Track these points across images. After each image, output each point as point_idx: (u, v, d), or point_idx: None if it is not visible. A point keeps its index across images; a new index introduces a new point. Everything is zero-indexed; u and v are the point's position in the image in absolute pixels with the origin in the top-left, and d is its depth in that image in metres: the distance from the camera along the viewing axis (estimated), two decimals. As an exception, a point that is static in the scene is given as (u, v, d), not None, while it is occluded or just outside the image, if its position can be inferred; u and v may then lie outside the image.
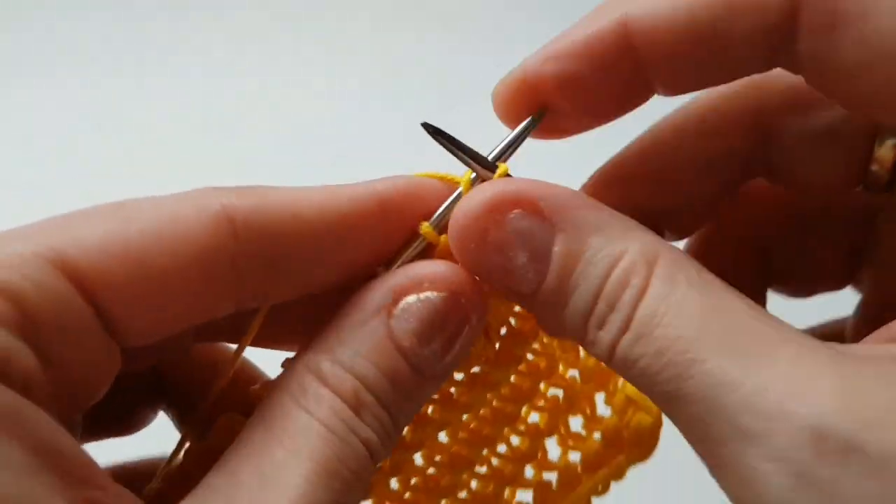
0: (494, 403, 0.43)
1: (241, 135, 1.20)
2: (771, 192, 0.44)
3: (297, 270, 0.36)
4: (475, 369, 0.41)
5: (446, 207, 0.37)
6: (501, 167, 0.38)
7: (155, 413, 0.45)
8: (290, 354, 0.38)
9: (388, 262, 0.38)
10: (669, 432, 0.37)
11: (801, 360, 0.30)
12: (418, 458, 0.43)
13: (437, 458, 0.43)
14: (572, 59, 0.36)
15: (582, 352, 0.45)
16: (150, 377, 0.44)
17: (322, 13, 1.36)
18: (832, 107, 0.38)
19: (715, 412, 0.30)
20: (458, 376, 0.41)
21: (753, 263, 0.46)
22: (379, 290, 0.36)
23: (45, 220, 0.33)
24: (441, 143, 0.38)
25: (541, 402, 0.46)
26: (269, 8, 1.37)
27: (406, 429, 0.40)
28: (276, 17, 1.36)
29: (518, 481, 0.46)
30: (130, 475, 0.37)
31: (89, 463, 0.31)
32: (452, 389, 0.42)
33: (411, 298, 0.35)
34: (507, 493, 0.46)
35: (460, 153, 0.38)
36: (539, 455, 0.46)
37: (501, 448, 0.45)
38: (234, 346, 0.41)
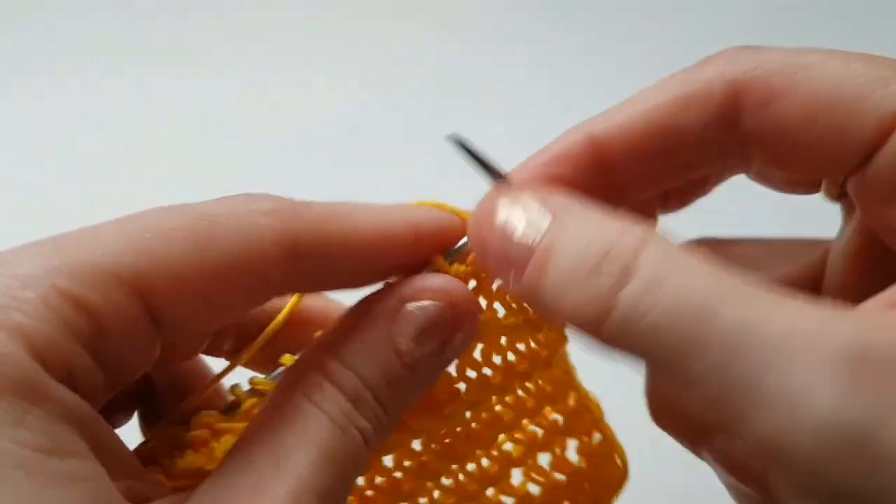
0: (473, 425, 0.46)
1: (241, 135, 1.20)
2: (724, 242, 0.47)
3: (327, 280, 0.40)
4: (460, 385, 0.44)
5: (461, 246, 0.42)
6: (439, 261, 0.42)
7: (131, 416, 0.48)
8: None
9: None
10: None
11: (823, 302, 0.31)
12: (388, 460, 0.45)
13: (406, 463, 0.45)
14: (547, 170, 0.41)
15: (571, 399, 0.47)
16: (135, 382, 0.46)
17: (322, 13, 1.36)
18: None
19: (750, 342, 0.30)
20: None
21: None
22: (385, 298, 0.40)
23: (121, 223, 0.35)
24: (466, 157, 0.41)
25: (518, 435, 0.48)
26: (269, 8, 1.37)
27: None
28: (276, 17, 1.36)
29: (479, 500, 0.48)
30: None
31: (132, 458, 0.37)
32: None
33: (412, 306, 0.39)
34: None
35: (485, 170, 0.41)
36: (503, 481, 0.48)
37: (470, 467, 0.47)
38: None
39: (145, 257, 0.34)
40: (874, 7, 1.31)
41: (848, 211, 0.44)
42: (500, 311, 0.44)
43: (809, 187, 0.44)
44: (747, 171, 0.44)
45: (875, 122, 0.36)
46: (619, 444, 0.50)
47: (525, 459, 0.48)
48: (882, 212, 0.38)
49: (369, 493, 0.45)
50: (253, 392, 0.42)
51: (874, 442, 0.28)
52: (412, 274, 0.41)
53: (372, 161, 1.14)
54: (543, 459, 0.49)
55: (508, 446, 0.48)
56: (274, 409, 0.38)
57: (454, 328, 0.40)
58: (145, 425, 0.47)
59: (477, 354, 0.44)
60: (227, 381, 0.45)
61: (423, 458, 0.46)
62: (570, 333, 0.45)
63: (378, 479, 0.45)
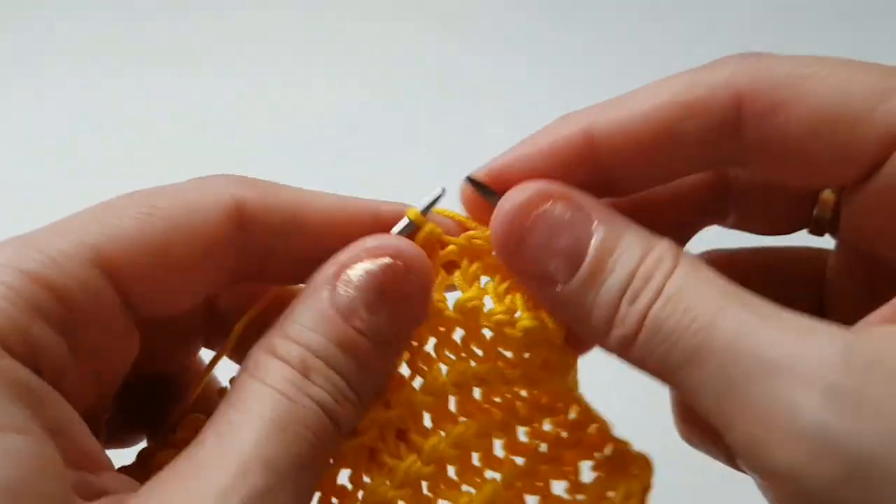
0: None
1: (241, 135, 1.20)
2: (731, 255, 0.48)
3: (291, 262, 0.40)
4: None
5: (435, 198, 0.41)
6: (411, 210, 0.41)
7: (143, 435, 0.47)
8: None
9: None
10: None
11: (815, 319, 0.34)
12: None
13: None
14: (539, 160, 0.40)
15: (573, 412, 0.44)
16: (144, 399, 0.46)
17: (322, 13, 1.36)
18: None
19: (741, 354, 0.33)
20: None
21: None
22: (324, 268, 0.39)
23: (79, 214, 0.37)
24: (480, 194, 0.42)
25: (518, 458, 0.44)
26: (269, 8, 1.37)
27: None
28: (276, 17, 1.36)
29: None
30: None
31: (97, 449, 0.36)
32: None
33: (350, 269, 0.38)
34: None
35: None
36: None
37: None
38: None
39: (103, 236, 0.35)
40: (874, 7, 1.31)
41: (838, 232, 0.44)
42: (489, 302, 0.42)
43: (791, 228, 0.44)
44: (722, 223, 0.46)
45: (879, 136, 0.35)
46: (634, 451, 0.45)
47: (534, 483, 0.45)
48: (882, 224, 0.38)
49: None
50: None
51: (871, 467, 0.30)
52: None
53: (372, 161, 1.14)
54: (559, 487, 0.45)
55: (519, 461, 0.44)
56: (227, 396, 0.38)
57: (403, 284, 0.39)
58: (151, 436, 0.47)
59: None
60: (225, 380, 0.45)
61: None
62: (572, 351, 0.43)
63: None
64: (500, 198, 0.40)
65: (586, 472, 0.46)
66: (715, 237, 0.47)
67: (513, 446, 0.44)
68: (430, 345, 0.43)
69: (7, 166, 1.16)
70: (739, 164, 0.41)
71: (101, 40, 1.32)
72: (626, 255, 0.38)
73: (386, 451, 0.41)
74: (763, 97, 0.37)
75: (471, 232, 0.42)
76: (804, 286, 0.47)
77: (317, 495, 0.41)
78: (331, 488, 0.41)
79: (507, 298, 0.42)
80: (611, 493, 0.45)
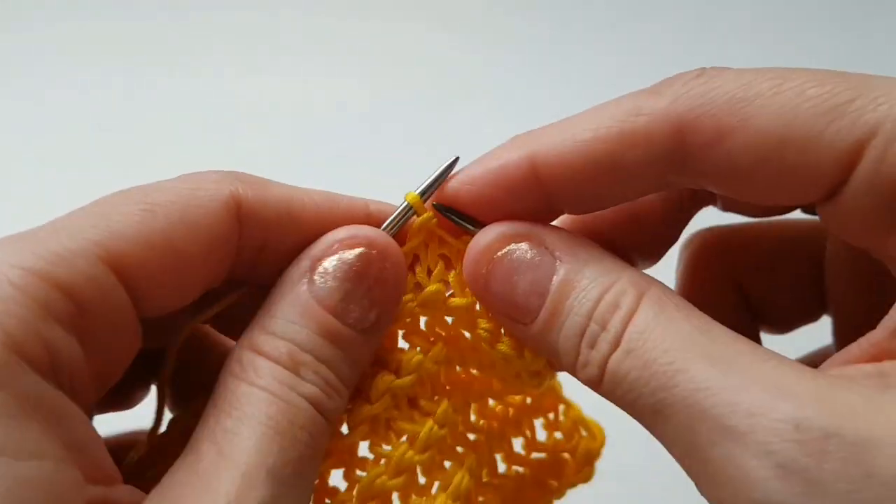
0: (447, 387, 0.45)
1: (241, 134, 1.20)
2: (733, 234, 0.47)
3: (284, 256, 0.40)
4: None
5: (435, 179, 0.42)
6: (410, 194, 0.42)
7: (147, 391, 0.47)
8: None
9: None
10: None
11: (780, 370, 0.33)
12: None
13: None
14: (486, 185, 0.40)
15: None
16: (146, 357, 0.46)
17: (322, 13, 1.36)
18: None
19: (699, 415, 0.33)
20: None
21: (741, 306, 0.48)
22: (298, 262, 0.40)
23: (78, 212, 0.37)
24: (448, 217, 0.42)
25: (481, 421, 0.48)
26: (270, 8, 1.37)
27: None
28: (276, 17, 1.36)
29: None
30: (112, 448, 0.39)
31: (110, 462, 0.35)
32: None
33: (326, 261, 0.39)
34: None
35: (463, 224, 0.42)
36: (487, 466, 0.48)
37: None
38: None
39: (105, 229, 0.35)
40: (874, 7, 1.31)
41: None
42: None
43: (784, 210, 0.43)
44: (714, 204, 0.45)
45: (834, 157, 0.33)
46: (580, 410, 0.50)
47: (501, 444, 0.48)
48: (858, 236, 0.36)
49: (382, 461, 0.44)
50: None
51: None
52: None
53: (372, 161, 1.14)
54: (517, 444, 0.49)
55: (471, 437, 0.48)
56: (212, 400, 0.37)
57: (378, 271, 0.39)
58: (174, 403, 0.47)
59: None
60: None
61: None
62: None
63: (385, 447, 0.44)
64: (456, 215, 0.41)
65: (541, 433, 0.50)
66: (714, 215, 0.47)
67: (485, 413, 0.48)
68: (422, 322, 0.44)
69: (7, 166, 1.16)
70: (685, 184, 0.39)
71: (101, 40, 1.32)
72: (583, 295, 0.37)
73: (401, 418, 0.43)
74: (705, 126, 0.35)
75: (466, 237, 0.42)
76: (806, 261, 0.46)
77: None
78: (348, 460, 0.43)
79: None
80: (566, 456, 0.49)
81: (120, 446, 0.43)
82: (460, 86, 1.27)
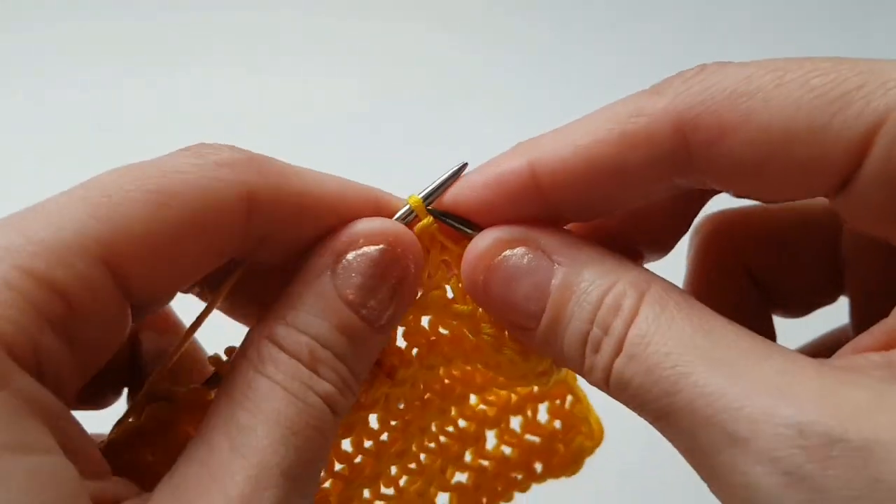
0: (446, 381, 0.46)
1: (241, 135, 1.20)
2: (745, 217, 0.46)
3: (287, 244, 0.39)
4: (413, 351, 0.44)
5: (438, 185, 0.41)
6: (412, 197, 0.41)
7: (120, 394, 0.46)
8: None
9: None
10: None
11: (783, 368, 0.32)
12: (373, 421, 0.45)
13: (393, 422, 0.45)
14: (485, 191, 0.39)
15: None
16: (124, 358, 0.45)
17: (323, 13, 1.36)
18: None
19: (703, 422, 0.32)
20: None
21: (752, 291, 0.47)
22: (321, 253, 0.39)
23: (87, 193, 0.34)
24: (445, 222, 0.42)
25: (491, 397, 0.48)
26: (270, 8, 1.37)
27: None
28: (277, 17, 1.36)
29: (458, 463, 0.49)
30: None
31: (100, 457, 0.35)
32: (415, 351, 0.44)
33: (350, 255, 0.38)
34: (448, 472, 0.49)
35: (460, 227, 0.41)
36: (479, 442, 0.49)
37: (449, 428, 0.48)
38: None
39: (108, 224, 0.33)
40: (874, 7, 1.31)
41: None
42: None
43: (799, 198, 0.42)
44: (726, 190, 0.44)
45: (843, 148, 0.32)
46: (591, 406, 0.50)
47: (498, 421, 0.49)
48: (873, 226, 0.35)
49: (358, 459, 0.45)
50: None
51: None
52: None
53: (372, 160, 1.13)
54: (515, 422, 0.50)
55: (483, 407, 0.49)
56: (227, 389, 0.37)
57: (400, 268, 0.39)
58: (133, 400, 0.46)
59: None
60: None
61: (408, 417, 0.45)
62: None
63: (367, 443, 0.45)
64: (454, 220, 0.41)
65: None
66: (725, 200, 0.47)
67: (487, 400, 0.49)
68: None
69: (7, 166, 1.16)
70: (694, 184, 0.38)
71: (101, 40, 1.32)
72: (583, 298, 0.37)
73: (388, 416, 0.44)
74: (706, 124, 0.34)
75: (466, 242, 0.42)
76: (821, 242, 0.45)
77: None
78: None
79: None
80: (560, 446, 0.49)
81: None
82: (460, 86, 1.27)
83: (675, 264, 0.49)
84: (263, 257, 0.39)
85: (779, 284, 0.46)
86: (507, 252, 0.39)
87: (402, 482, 0.47)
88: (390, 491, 0.47)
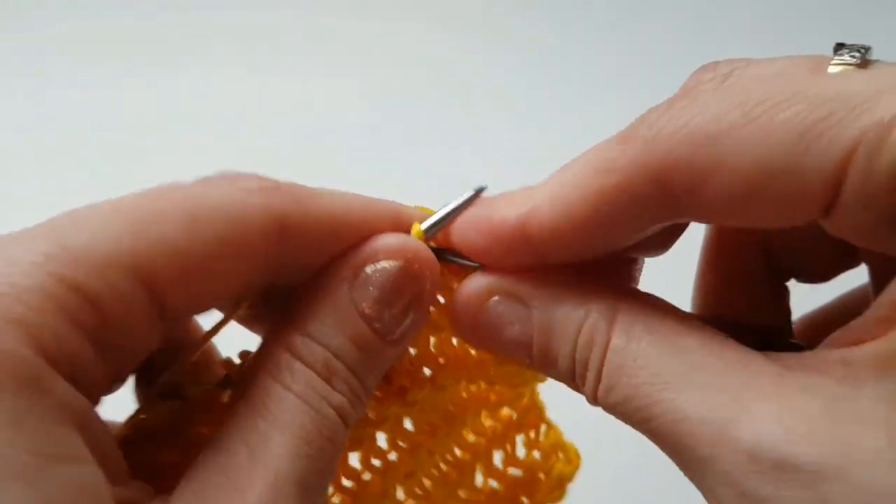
0: (451, 407, 0.48)
1: (241, 135, 1.20)
2: None
3: (316, 264, 0.40)
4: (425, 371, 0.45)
5: (439, 219, 0.42)
6: (415, 227, 0.42)
7: (125, 380, 0.46)
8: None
9: None
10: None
11: (746, 382, 0.34)
12: (381, 441, 0.46)
13: (401, 443, 0.46)
14: (479, 239, 0.40)
15: (525, 398, 0.51)
16: None
17: (323, 13, 1.36)
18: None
19: (678, 445, 0.35)
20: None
21: (765, 260, 0.47)
22: (341, 266, 0.40)
23: (121, 211, 0.35)
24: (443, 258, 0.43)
25: (482, 426, 0.50)
26: (270, 8, 1.37)
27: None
28: (277, 17, 1.36)
29: (462, 489, 0.51)
30: None
31: (123, 461, 0.35)
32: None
33: (369, 269, 0.39)
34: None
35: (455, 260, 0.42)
36: (470, 476, 0.51)
37: (449, 457, 0.50)
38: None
39: (143, 240, 0.34)
40: (874, 7, 1.31)
41: None
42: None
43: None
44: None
45: (820, 180, 0.32)
46: (561, 433, 0.52)
47: (486, 454, 0.51)
48: (866, 242, 0.35)
49: (366, 476, 0.46)
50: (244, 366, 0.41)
51: None
52: None
53: (372, 161, 1.14)
54: (497, 458, 0.52)
55: (473, 439, 0.51)
56: (244, 395, 0.37)
57: (417, 285, 0.40)
58: (142, 392, 0.46)
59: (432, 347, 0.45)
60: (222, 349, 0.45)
61: (416, 437, 0.47)
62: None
63: (375, 461, 0.46)
64: (451, 255, 0.42)
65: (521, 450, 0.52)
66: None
67: (477, 429, 0.51)
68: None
69: (7, 166, 1.16)
70: (677, 223, 0.38)
71: (101, 40, 1.32)
72: (560, 338, 0.39)
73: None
74: (682, 175, 0.34)
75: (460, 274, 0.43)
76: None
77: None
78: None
79: None
80: (541, 475, 0.51)
81: None
82: (460, 86, 1.27)
83: (674, 264, 0.49)
84: (288, 277, 0.40)
85: (797, 253, 0.46)
86: (490, 303, 0.40)
87: None
88: None
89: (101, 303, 0.33)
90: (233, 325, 0.45)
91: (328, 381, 0.38)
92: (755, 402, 0.33)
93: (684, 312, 0.40)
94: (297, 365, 0.38)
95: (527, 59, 1.30)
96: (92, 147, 1.19)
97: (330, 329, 0.38)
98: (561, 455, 0.52)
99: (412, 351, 0.44)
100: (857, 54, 0.36)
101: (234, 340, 0.43)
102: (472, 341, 0.43)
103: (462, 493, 0.50)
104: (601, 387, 0.37)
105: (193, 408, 0.41)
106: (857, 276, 0.47)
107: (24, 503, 0.29)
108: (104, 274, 0.33)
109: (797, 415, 0.32)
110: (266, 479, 0.34)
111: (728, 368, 0.35)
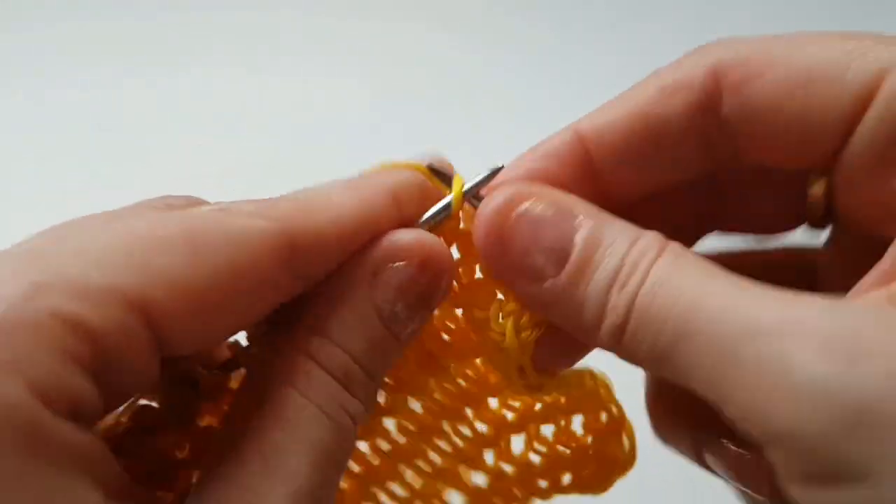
0: (462, 383, 0.45)
1: (241, 135, 1.20)
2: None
3: (322, 274, 0.38)
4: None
5: (435, 212, 0.41)
6: (457, 178, 0.42)
7: None
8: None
9: None
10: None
11: (798, 301, 0.33)
12: (389, 424, 0.45)
13: (409, 426, 0.45)
14: (535, 168, 0.40)
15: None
16: None
17: (323, 13, 1.36)
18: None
19: (728, 323, 0.32)
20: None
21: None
22: (359, 264, 0.38)
23: (120, 239, 0.32)
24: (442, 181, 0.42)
25: (516, 402, 0.47)
26: (270, 8, 1.37)
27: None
28: (277, 17, 1.36)
29: (474, 465, 0.48)
30: None
31: (130, 482, 0.33)
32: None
33: (389, 270, 0.38)
34: (462, 472, 0.48)
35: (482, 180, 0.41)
36: (502, 445, 0.48)
37: (466, 431, 0.47)
38: None
39: (142, 269, 0.31)
40: (874, 7, 1.31)
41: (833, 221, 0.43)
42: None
43: (786, 226, 0.44)
44: (720, 227, 0.46)
45: (852, 92, 0.36)
46: (629, 425, 0.47)
47: (523, 426, 0.48)
48: (869, 187, 0.37)
49: (376, 461, 0.45)
50: (250, 349, 0.39)
51: (871, 413, 0.28)
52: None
53: (372, 161, 1.14)
54: (547, 430, 0.48)
55: (505, 413, 0.48)
56: (259, 399, 0.36)
57: (433, 283, 0.39)
58: None
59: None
60: None
61: (423, 419, 0.45)
62: None
63: (383, 445, 0.45)
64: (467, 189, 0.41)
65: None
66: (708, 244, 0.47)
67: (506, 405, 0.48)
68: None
69: (7, 166, 1.16)
70: (724, 148, 0.40)
71: (101, 40, 1.32)
72: (613, 246, 0.37)
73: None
74: (737, 68, 0.38)
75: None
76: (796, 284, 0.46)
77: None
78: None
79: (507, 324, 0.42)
80: (591, 462, 0.48)
81: None
82: (460, 86, 1.27)
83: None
84: (298, 291, 0.38)
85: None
86: (529, 204, 0.39)
87: (416, 484, 0.47)
88: (404, 493, 0.47)
89: (98, 337, 0.30)
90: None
91: (347, 387, 0.36)
92: (815, 308, 0.32)
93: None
94: (316, 371, 0.36)
95: (527, 59, 1.30)
96: (92, 147, 1.19)
97: (349, 331, 0.37)
98: (618, 448, 0.47)
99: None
100: None
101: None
102: (502, 252, 0.39)
103: (490, 463, 0.48)
104: (645, 284, 0.35)
105: (201, 394, 0.39)
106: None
107: None
108: (101, 305, 0.30)
109: (862, 318, 0.31)
110: (283, 489, 0.33)
111: (778, 291, 0.33)
